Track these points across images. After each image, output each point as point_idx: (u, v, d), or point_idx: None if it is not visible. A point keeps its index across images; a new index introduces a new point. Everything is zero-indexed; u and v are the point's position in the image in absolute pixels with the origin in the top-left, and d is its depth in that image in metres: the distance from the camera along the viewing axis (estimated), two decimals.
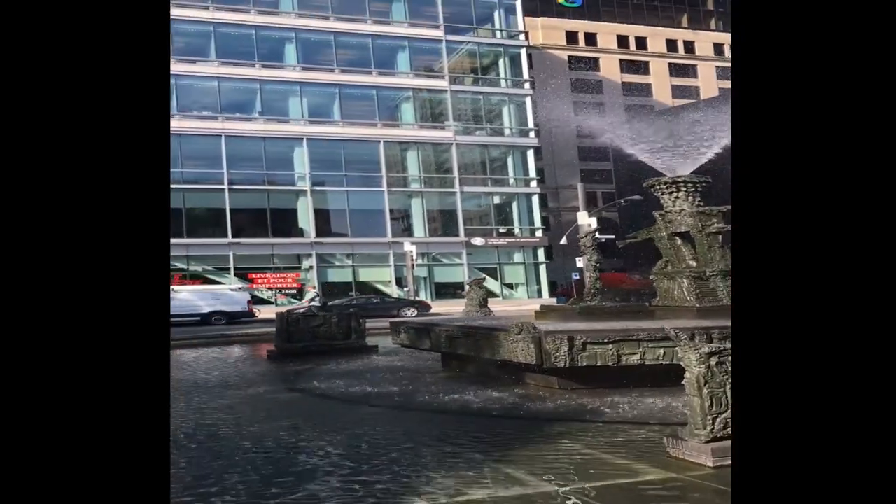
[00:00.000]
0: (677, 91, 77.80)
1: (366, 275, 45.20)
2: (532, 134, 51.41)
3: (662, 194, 12.66)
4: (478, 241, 48.05)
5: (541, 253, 51.83)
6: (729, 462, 5.65)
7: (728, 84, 75.24)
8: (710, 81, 79.18)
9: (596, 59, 76.32)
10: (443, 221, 48.68)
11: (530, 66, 56.11)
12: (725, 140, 13.45)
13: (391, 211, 46.30)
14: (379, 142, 46.05)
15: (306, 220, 44.32)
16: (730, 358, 5.82)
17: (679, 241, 12.67)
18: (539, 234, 51.52)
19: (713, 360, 5.78)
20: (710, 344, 6.02)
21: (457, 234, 47.24)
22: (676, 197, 12.52)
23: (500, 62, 52.19)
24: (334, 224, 45.29)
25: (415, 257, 41.38)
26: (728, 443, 5.74)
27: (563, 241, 46.25)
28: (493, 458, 5.60)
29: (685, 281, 12.18)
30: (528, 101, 51.57)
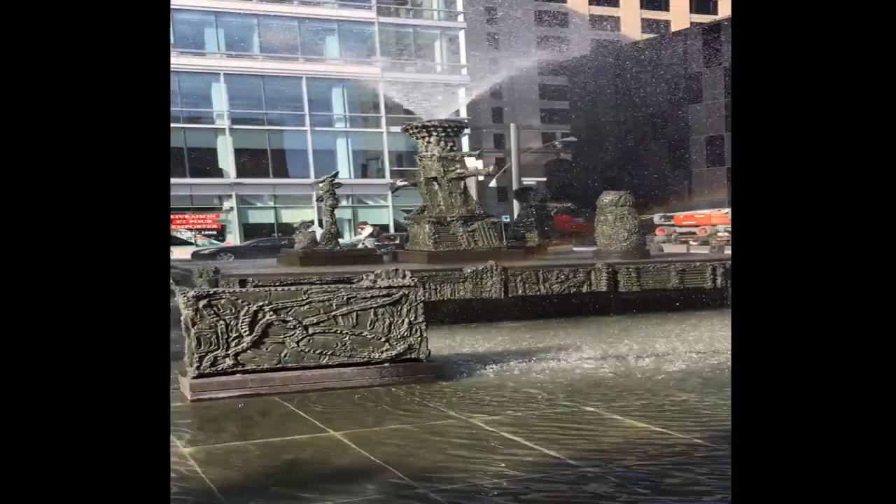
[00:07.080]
0: (647, 25, 75.29)
1: (289, 216, 45.07)
2: (464, 71, 50.34)
3: (417, 139, 12.77)
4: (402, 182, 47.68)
5: None
6: (205, 396, 6.06)
7: (700, 18, 73.07)
8: (682, 15, 76.52)
9: None
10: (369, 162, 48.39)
11: None
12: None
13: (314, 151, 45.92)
14: (301, 78, 45.31)
15: (226, 159, 44.04)
16: (223, 301, 6.15)
17: (436, 187, 12.83)
18: None
19: (201, 304, 6.10)
20: (202, 288, 6.36)
21: (383, 176, 46.94)
22: (428, 142, 12.63)
23: None
24: (256, 164, 44.91)
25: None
26: (208, 380, 6.13)
27: (493, 183, 45.98)
28: None
29: (427, 226, 12.38)
30: (462, 35, 50.31)
